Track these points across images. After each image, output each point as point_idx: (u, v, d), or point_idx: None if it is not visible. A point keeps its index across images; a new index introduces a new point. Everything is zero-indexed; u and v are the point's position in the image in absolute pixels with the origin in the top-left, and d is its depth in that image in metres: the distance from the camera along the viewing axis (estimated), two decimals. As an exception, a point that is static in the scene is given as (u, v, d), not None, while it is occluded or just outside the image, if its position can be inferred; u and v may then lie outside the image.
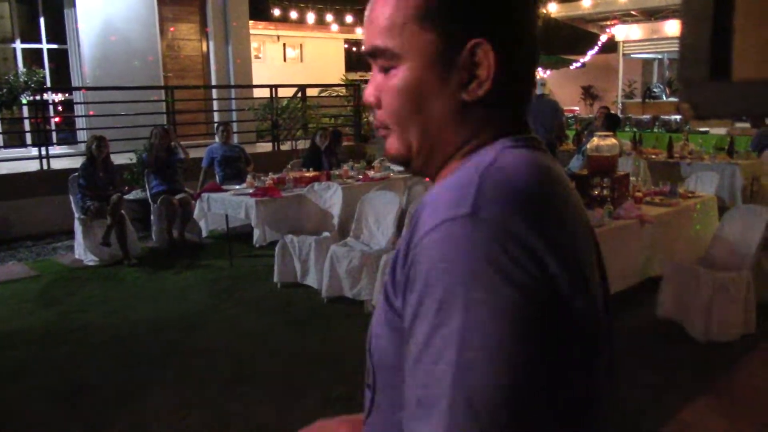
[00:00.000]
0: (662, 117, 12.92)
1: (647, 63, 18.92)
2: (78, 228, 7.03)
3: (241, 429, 3.58)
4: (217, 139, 8.44)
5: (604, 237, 4.33)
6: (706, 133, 11.62)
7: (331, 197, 6.39)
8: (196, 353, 4.59)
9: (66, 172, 7.58)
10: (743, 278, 4.56)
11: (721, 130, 11.44)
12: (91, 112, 10.32)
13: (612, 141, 5.43)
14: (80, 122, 11.08)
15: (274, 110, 11.86)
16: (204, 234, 7.54)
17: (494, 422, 0.68)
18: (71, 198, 7.18)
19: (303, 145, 10.57)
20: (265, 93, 12.14)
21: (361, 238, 5.71)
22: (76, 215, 7.08)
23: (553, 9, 14.58)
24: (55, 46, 11.37)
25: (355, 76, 20.07)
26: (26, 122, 10.68)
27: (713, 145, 9.96)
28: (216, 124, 9.41)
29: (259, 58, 18.50)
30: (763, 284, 4.92)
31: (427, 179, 0.95)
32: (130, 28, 11.45)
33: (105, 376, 4.25)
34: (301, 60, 20.29)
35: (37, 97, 9.69)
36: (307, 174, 7.43)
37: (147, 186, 7.61)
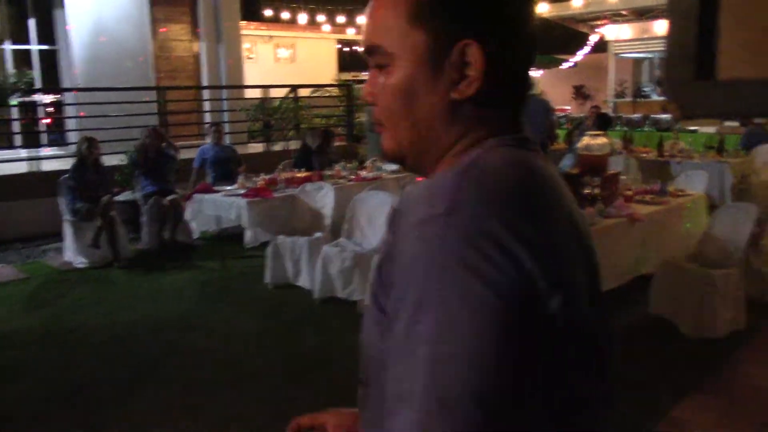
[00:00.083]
0: (653, 116, 12.99)
1: (637, 62, 19.00)
2: (68, 230, 6.99)
3: (235, 429, 3.58)
4: (208, 139, 8.42)
5: (595, 235, 4.33)
6: (695, 131, 11.67)
7: (323, 197, 6.39)
8: (188, 354, 4.58)
9: (56, 174, 7.53)
10: (733, 275, 4.59)
11: (710, 129, 11.50)
12: (82, 114, 10.26)
13: (603, 140, 5.45)
14: (70, 123, 11.01)
15: (266, 111, 11.85)
16: (195, 235, 7.53)
17: (465, 418, 0.68)
18: (61, 200, 7.15)
19: (295, 145, 10.55)
20: (257, 93, 12.14)
21: (354, 239, 5.70)
22: (66, 217, 7.04)
23: (544, 9, 14.60)
24: (45, 47, 11.30)
25: (347, 76, 20.04)
26: (16, 124, 10.63)
27: (703, 143, 10.01)
28: (208, 125, 9.39)
29: (251, 58, 18.45)
30: (752, 281, 4.96)
31: (421, 178, 0.96)
32: (120, 28, 11.39)
33: (98, 378, 4.24)
34: (293, 60, 20.25)
35: (27, 99, 9.63)
36: (299, 174, 7.42)
37: (138, 187, 7.58)
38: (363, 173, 7.79)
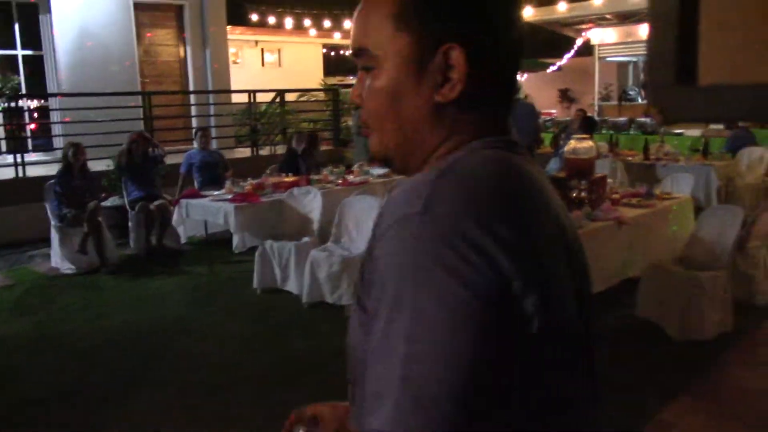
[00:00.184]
0: (638, 119, 13.04)
1: (622, 66, 19.11)
2: (54, 236, 6.95)
3: (234, 430, 3.59)
4: (195, 144, 8.40)
5: (582, 239, 4.35)
6: (681, 134, 11.75)
7: (310, 202, 6.38)
8: (176, 360, 4.57)
9: (42, 180, 7.49)
10: (720, 277, 4.62)
11: (695, 132, 11.57)
12: (67, 119, 10.21)
13: (589, 143, 5.48)
14: (56, 129, 10.95)
15: (253, 115, 11.82)
16: (183, 240, 7.50)
17: (440, 416, 0.69)
18: (47, 205, 7.10)
19: (282, 150, 10.54)
20: (243, 98, 12.10)
21: (342, 243, 5.70)
22: (53, 223, 7.00)
23: (529, 13, 14.67)
24: (30, 52, 11.25)
25: (333, 80, 20.07)
26: (0, 129, 10.55)
27: (688, 146, 10.07)
28: (194, 130, 9.36)
29: (237, 63, 18.43)
30: (739, 283, 4.99)
31: None
32: (106, 33, 11.35)
33: (92, 382, 4.24)
34: (280, 65, 20.23)
35: (12, 104, 9.57)
36: (287, 179, 7.41)
37: (124, 193, 7.54)
38: (350, 178, 7.79)
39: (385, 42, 0.87)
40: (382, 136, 0.92)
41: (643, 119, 12.87)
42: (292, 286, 5.73)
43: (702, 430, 3.55)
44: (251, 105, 11.91)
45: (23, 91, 11.07)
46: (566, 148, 5.56)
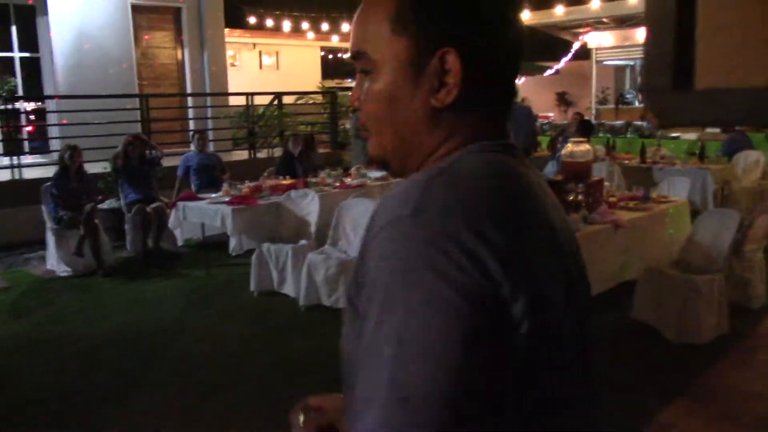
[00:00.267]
0: (635, 123, 13.06)
1: (619, 69, 19.16)
2: (51, 238, 6.93)
3: (234, 430, 3.59)
4: (192, 147, 8.38)
5: (579, 242, 4.37)
6: (677, 138, 11.77)
7: (308, 205, 6.38)
8: (173, 362, 4.56)
9: (38, 182, 7.48)
10: (716, 280, 4.62)
11: (692, 136, 11.59)
12: (64, 121, 10.20)
13: (586, 147, 5.48)
14: (53, 131, 10.94)
15: (251, 118, 11.82)
16: (180, 243, 7.49)
17: (428, 418, 0.69)
18: (44, 208, 7.09)
19: (279, 152, 10.54)
20: (241, 101, 12.11)
21: (339, 246, 5.70)
22: (49, 225, 6.99)
23: (526, 17, 14.70)
24: (27, 54, 11.24)
25: (331, 83, 20.08)
26: (-3, 131, 10.55)
27: (684, 150, 10.09)
28: (191, 132, 9.35)
29: (235, 65, 18.44)
30: (735, 286, 5.00)
31: None
32: (104, 36, 11.34)
33: (82, 387, 4.22)
34: (278, 68, 20.26)
35: (9, 106, 9.56)
36: (284, 182, 7.40)
37: (121, 195, 7.53)
38: (348, 180, 7.79)
39: (382, 46, 0.87)
40: (380, 138, 0.92)
41: (639, 123, 12.90)
42: (289, 289, 5.72)
43: (700, 431, 3.56)
44: (249, 107, 11.92)
45: (20, 93, 11.06)
46: (563, 152, 5.57)
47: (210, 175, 7.99)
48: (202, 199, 6.87)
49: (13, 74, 11.06)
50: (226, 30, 14.18)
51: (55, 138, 10.63)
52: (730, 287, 4.81)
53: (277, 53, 20.26)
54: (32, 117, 11.56)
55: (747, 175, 8.97)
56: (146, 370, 4.43)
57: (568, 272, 0.87)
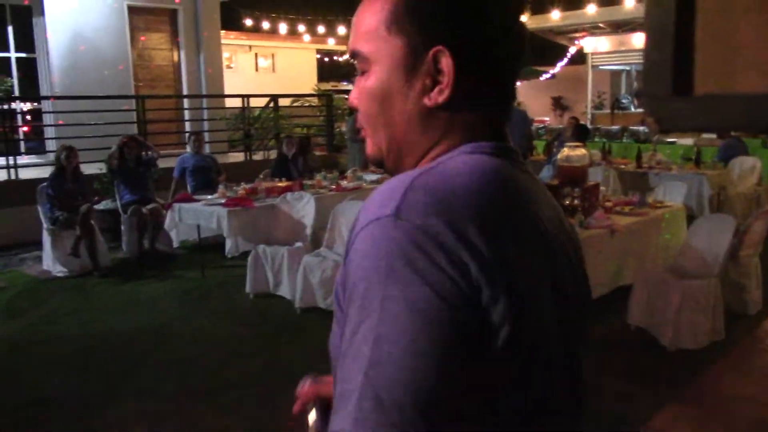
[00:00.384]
0: (631, 128, 13.09)
1: (615, 74, 19.20)
2: (46, 239, 6.92)
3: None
4: (188, 148, 8.38)
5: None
6: (674, 143, 11.80)
7: (303, 207, 6.37)
8: (168, 364, 4.55)
9: (34, 182, 7.47)
10: (711, 286, 4.63)
11: (688, 141, 11.62)
12: (60, 122, 10.19)
13: (582, 151, 5.50)
14: (49, 132, 10.93)
15: (246, 120, 11.82)
16: (175, 244, 7.47)
17: (403, 418, 0.68)
18: (39, 208, 7.08)
19: (275, 155, 10.54)
20: (237, 103, 12.11)
21: (334, 248, 5.69)
22: (45, 226, 6.98)
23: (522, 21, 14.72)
24: (23, 55, 11.22)
25: (327, 86, 20.10)
26: (-7, 132, 10.53)
27: (680, 155, 10.11)
28: (187, 134, 9.35)
29: (231, 67, 18.44)
30: (730, 292, 5.01)
31: None
32: (100, 37, 11.33)
33: (76, 387, 4.21)
34: (273, 70, 20.27)
35: (5, 107, 9.54)
36: (280, 184, 7.41)
37: (117, 196, 7.53)
38: (343, 183, 7.79)
39: (378, 45, 0.88)
40: (376, 138, 0.92)
41: (635, 127, 12.93)
42: (284, 291, 5.72)
43: (693, 437, 3.56)
44: (245, 110, 11.92)
45: (16, 93, 11.04)
46: (559, 156, 5.58)
47: (206, 176, 7.99)
48: (198, 200, 6.87)
49: (10, 74, 11.04)
50: (222, 32, 14.20)
51: (51, 138, 10.61)
52: (725, 293, 4.81)
53: (273, 56, 20.27)
54: (28, 117, 11.54)
55: (743, 180, 8.99)
56: (138, 374, 4.41)
57: (560, 277, 0.86)
